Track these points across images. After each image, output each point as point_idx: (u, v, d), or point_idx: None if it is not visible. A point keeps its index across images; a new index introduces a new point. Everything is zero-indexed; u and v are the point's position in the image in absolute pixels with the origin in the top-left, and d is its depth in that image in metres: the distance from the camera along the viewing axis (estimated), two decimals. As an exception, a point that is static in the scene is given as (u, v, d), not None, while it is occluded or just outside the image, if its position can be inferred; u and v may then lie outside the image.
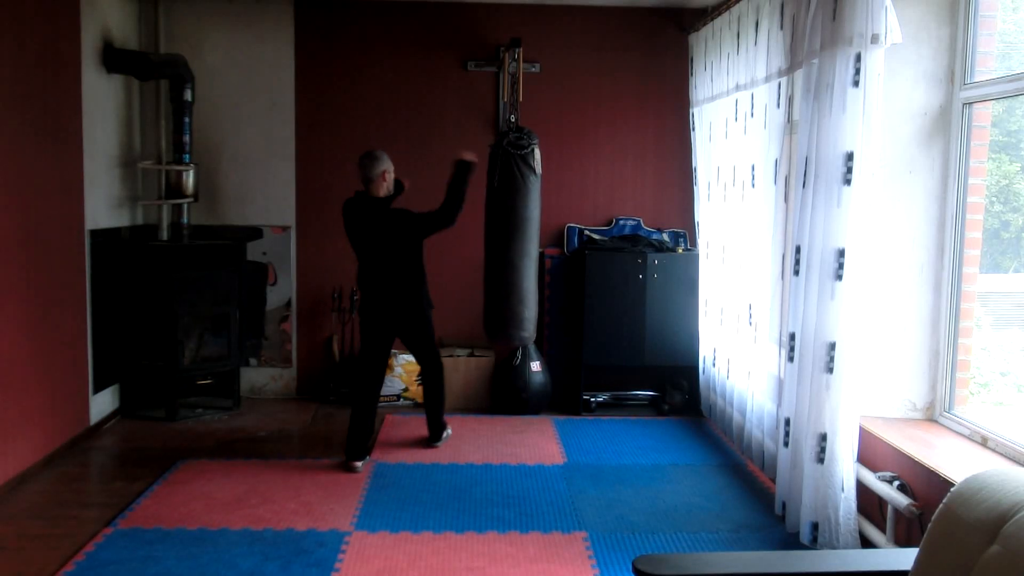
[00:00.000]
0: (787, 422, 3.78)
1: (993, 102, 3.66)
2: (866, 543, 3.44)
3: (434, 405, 4.91)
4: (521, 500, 4.14)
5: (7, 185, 4.10)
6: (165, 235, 5.66)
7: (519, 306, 4.91)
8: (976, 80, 3.58)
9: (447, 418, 5.10)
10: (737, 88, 4.78)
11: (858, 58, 3.28)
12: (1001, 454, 3.25)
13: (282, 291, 5.99)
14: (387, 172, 4.58)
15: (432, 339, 4.82)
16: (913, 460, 3.27)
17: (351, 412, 4.63)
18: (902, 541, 3.28)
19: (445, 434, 4.98)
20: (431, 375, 4.87)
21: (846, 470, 3.43)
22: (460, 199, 4.57)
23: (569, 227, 5.98)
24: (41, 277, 4.44)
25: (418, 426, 5.27)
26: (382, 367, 4.71)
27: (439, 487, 4.29)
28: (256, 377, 6.00)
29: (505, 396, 5.69)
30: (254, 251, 5.93)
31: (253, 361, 5.99)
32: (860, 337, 3.42)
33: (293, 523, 3.80)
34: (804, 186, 3.59)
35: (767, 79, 4.28)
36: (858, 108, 3.31)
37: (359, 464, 4.54)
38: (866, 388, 3.65)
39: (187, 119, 5.49)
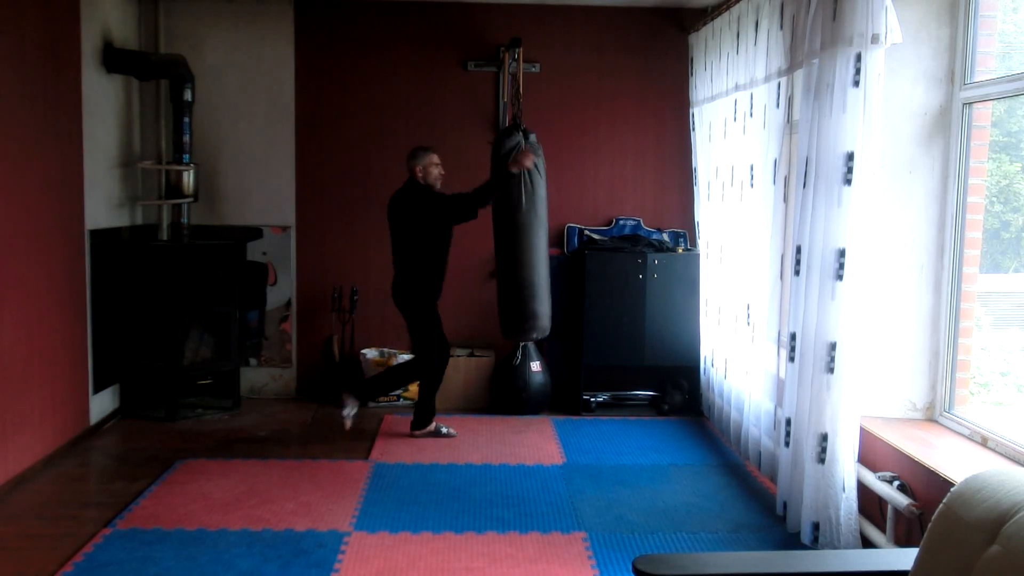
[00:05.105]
0: (788, 422, 3.77)
1: (994, 102, 3.66)
2: (867, 543, 3.44)
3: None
4: (520, 500, 4.14)
5: (7, 185, 4.10)
6: (165, 235, 5.66)
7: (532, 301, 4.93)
8: (976, 80, 3.58)
9: (442, 418, 5.29)
10: (737, 88, 4.77)
11: (858, 58, 3.28)
12: (1001, 454, 3.25)
13: (282, 291, 5.99)
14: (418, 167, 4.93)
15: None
16: (913, 460, 3.27)
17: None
18: (902, 541, 3.27)
19: (434, 426, 5.16)
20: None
21: (847, 470, 3.43)
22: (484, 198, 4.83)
23: (569, 227, 5.98)
24: (41, 277, 4.44)
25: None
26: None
27: (438, 487, 4.29)
28: (256, 377, 6.00)
29: (505, 396, 5.68)
30: (254, 251, 5.93)
31: (253, 361, 5.99)
32: (860, 337, 3.42)
33: (292, 523, 3.80)
34: (804, 186, 3.59)
35: (767, 79, 4.28)
36: (858, 108, 3.31)
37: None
38: (866, 388, 3.64)
39: (187, 119, 5.49)
